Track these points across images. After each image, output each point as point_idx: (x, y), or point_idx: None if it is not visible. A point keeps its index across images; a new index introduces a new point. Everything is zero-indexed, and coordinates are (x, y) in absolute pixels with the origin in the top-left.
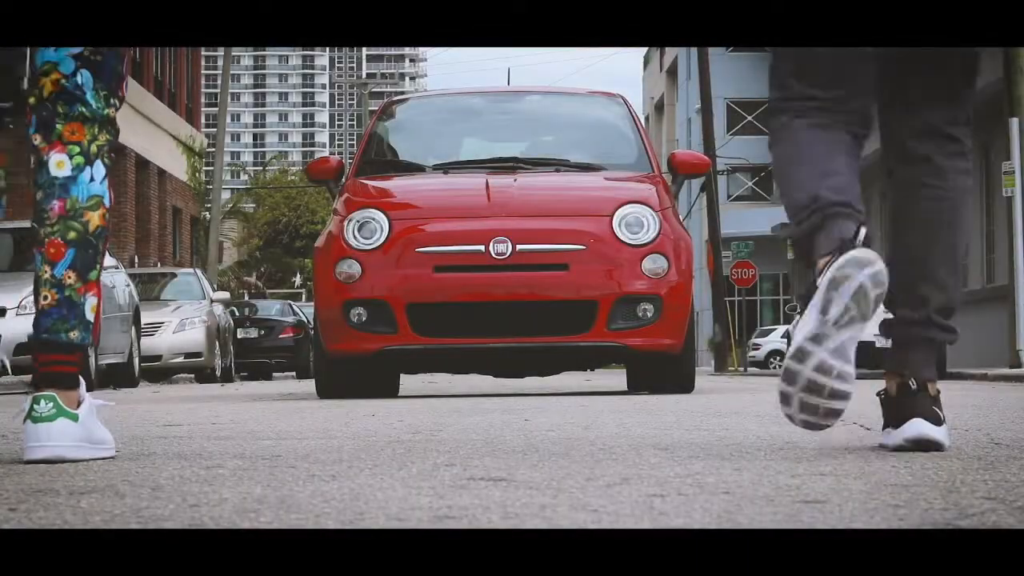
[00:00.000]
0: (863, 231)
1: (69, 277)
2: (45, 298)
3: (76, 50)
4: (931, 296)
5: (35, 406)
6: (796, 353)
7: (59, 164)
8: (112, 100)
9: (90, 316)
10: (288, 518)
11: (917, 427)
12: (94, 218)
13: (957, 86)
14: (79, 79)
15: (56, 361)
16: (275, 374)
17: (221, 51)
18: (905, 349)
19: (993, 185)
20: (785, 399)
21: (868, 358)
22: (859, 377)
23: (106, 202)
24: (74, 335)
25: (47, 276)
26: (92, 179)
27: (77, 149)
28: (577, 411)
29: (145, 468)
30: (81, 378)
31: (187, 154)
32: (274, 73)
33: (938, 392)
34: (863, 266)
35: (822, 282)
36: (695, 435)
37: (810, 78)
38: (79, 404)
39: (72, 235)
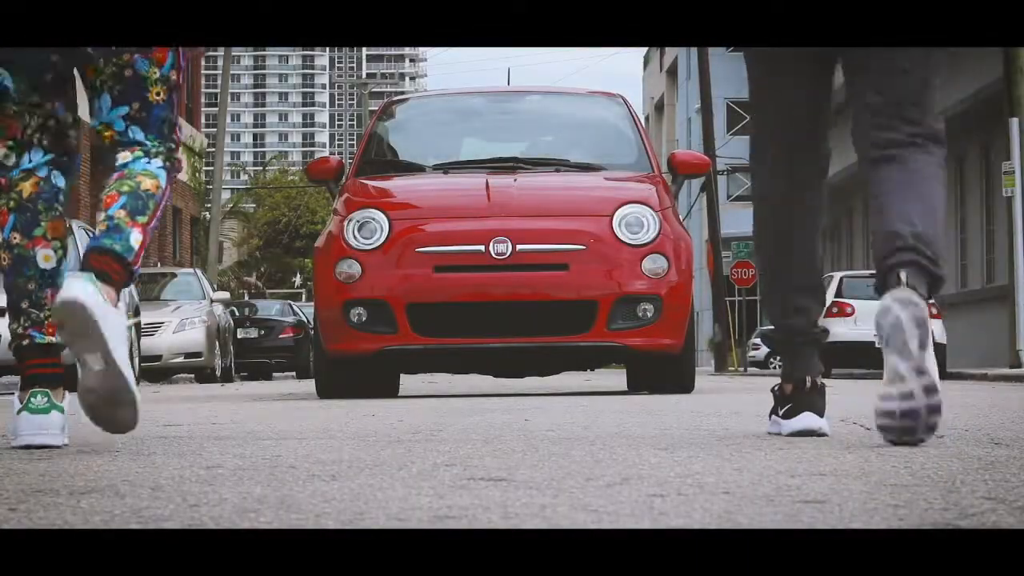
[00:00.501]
0: (815, 379)
1: (119, 214)
2: (98, 228)
3: (123, 111)
4: (904, 232)
5: (70, 280)
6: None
7: (123, 157)
8: (165, 143)
9: (135, 244)
10: (288, 518)
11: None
12: (146, 181)
13: (909, 99)
14: (131, 134)
15: (106, 263)
16: (275, 374)
17: (221, 51)
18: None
19: (993, 185)
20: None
21: (867, 357)
22: (860, 377)
23: (162, 183)
24: (118, 247)
25: (102, 217)
26: (150, 163)
27: (140, 151)
28: (577, 411)
29: (145, 468)
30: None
31: (187, 154)
32: (274, 73)
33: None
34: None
35: (785, 427)
36: (695, 435)
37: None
38: (116, 304)
39: (125, 188)
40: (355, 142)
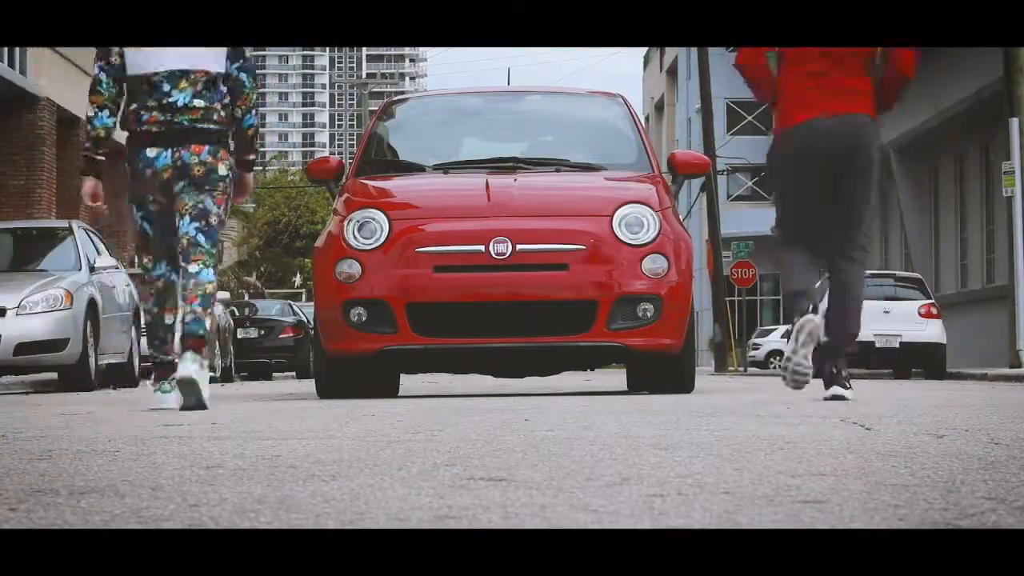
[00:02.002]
0: (811, 307)
1: (199, 310)
2: (187, 316)
3: (196, 225)
4: (843, 332)
5: (184, 363)
6: (785, 359)
7: (194, 267)
8: (215, 246)
9: (208, 326)
10: (288, 518)
11: (835, 390)
12: (208, 288)
13: (855, 215)
14: (198, 239)
15: (196, 343)
16: (275, 374)
17: None
18: (831, 354)
19: (993, 185)
20: (783, 378)
21: (867, 358)
22: (861, 377)
23: (215, 284)
24: (201, 332)
25: (188, 309)
26: (210, 273)
27: (203, 262)
28: (577, 411)
29: (145, 468)
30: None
31: None
32: (274, 73)
33: (848, 374)
34: (806, 324)
35: (795, 327)
36: (695, 435)
37: (790, 226)
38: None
39: (200, 292)
40: (355, 142)
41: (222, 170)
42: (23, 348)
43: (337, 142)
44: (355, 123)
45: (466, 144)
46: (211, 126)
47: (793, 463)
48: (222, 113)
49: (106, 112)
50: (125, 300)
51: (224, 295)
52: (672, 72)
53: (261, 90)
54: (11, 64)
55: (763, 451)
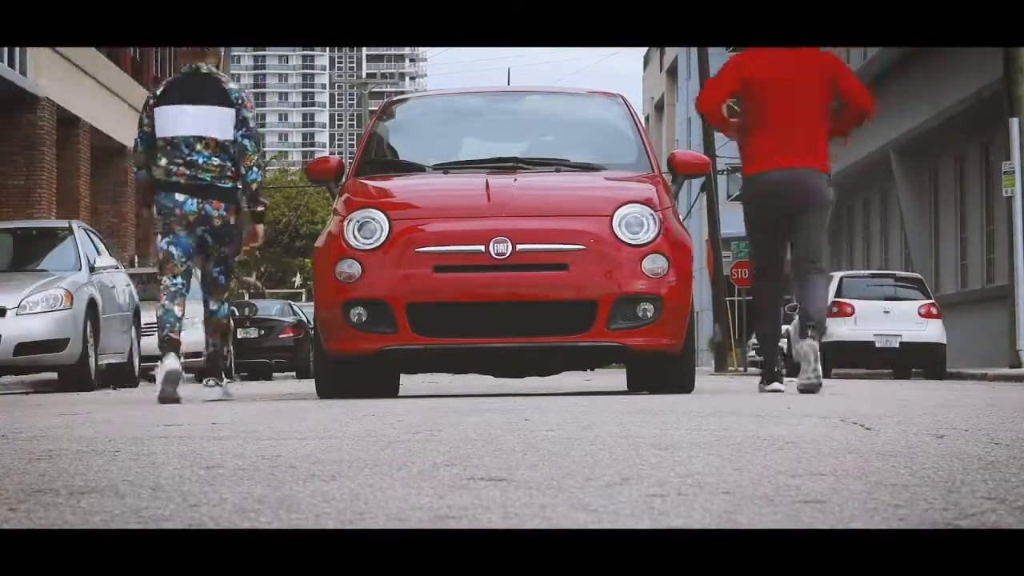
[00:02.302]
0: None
1: (219, 343)
2: (211, 347)
3: (219, 268)
4: (815, 321)
5: (207, 391)
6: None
7: (214, 304)
8: (231, 280)
9: (225, 354)
10: (288, 518)
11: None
12: (223, 323)
13: (812, 247)
14: (220, 278)
15: (217, 369)
16: (275, 374)
17: (221, 51)
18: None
19: (993, 185)
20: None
21: (867, 358)
22: (861, 377)
23: (229, 317)
24: (222, 363)
25: (211, 341)
26: (226, 309)
27: (221, 298)
28: (577, 411)
29: (145, 468)
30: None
31: None
32: (274, 73)
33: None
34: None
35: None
36: (695, 435)
37: (760, 256)
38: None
39: (220, 328)
40: (355, 142)
41: (233, 221)
42: (23, 348)
43: (337, 142)
44: (355, 123)
45: (466, 144)
46: (227, 184)
47: (793, 463)
48: (232, 171)
49: (144, 171)
50: (125, 300)
51: None
52: (672, 72)
53: (261, 90)
54: (11, 64)
55: (763, 451)
